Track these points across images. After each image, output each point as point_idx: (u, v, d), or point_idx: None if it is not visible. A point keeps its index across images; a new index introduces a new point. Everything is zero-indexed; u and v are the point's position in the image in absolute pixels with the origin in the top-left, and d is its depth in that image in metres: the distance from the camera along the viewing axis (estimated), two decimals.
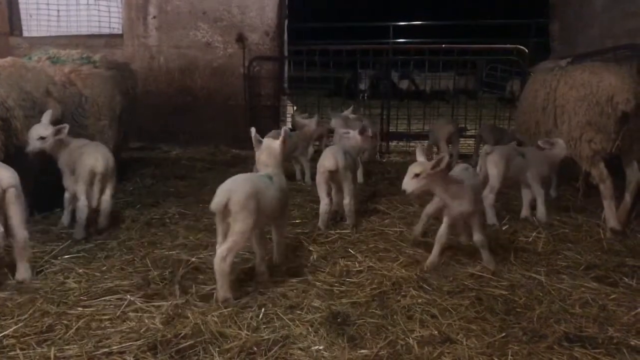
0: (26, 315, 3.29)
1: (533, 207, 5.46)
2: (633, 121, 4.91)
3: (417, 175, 3.88)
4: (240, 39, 9.59)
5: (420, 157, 4.03)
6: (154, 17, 9.84)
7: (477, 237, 4.13)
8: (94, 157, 4.78)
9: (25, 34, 10.54)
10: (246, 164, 7.72)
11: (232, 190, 3.46)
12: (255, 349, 2.99)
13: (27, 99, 5.12)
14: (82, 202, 4.75)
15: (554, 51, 8.50)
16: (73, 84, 6.02)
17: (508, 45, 9.30)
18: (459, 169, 4.39)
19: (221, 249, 3.44)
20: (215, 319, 3.29)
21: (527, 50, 8.98)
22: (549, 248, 4.66)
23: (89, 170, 4.74)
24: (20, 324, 3.18)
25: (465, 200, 4.00)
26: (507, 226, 5.22)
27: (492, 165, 5.25)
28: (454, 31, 11.91)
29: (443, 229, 4.17)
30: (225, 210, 3.42)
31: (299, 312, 3.43)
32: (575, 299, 3.66)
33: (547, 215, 5.34)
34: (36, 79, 5.40)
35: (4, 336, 3.06)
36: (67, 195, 5.04)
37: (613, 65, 5.11)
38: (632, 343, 3.11)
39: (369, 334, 3.17)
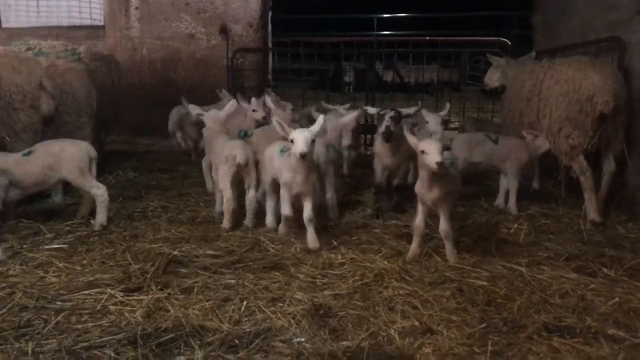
0: (4, 310, 3.26)
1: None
2: (611, 121, 4.98)
3: (447, 148, 3.98)
4: (224, 30, 9.48)
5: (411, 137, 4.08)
6: (136, 8, 9.70)
7: (443, 226, 4.15)
8: None
9: (4, 24, 10.35)
10: None
11: None
12: (237, 341, 2.99)
13: (17, 92, 5.01)
14: None
15: (536, 43, 8.54)
16: (53, 79, 5.89)
17: (491, 38, 9.32)
18: None
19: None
20: (197, 312, 3.29)
21: (510, 43, 9.02)
22: (530, 239, 4.72)
23: None
24: None
25: (440, 185, 4.02)
26: (488, 217, 5.27)
27: (454, 150, 5.37)
28: (437, 23, 11.93)
29: (419, 219, 4.19)
30: None
31: (280, 304, 3.43)
32: (555, 289, 3.70)
33: (517, 208, 5.44)
34: (29, 72, 5.22)
35: None
36: None
37: (599, 63, 5.17)
38: (610, 332, 3.16)
39: (350, 326, 3.18)
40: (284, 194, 4.43)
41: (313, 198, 4.43)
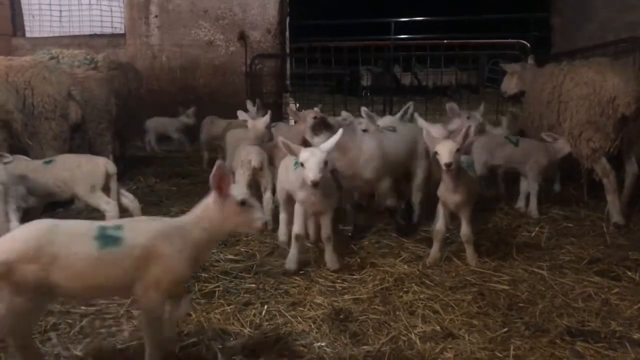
0: None
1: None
2: (633, 123, 4.92)
3: (457, 150, 3.82)
4: (242, 37, 9.59)
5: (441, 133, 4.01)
6: (156, 16, 9.86)
7: (464, 230, 4.12)
8: None
9: (28, 34, 10.58)
10: None
11: None
12: (258, 346, 3.00)
13: (49, 102, 5.14)
14: None
15: (555, 45, 8.48)
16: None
17: (509, 40, 9.28)
18: None
19: None
20: (218, 316, 3.31)
21: (528, 45, 8.96)
22: (551, 243, 4.67)
23: None
24: None
25: (463, 188, 4.01)
26: (508, 221, 5.23)
27: (475, 154, 5.38)
28: (455, 26, 11.90)
29: (440, 223, 4.17)
30: None
31: (301, 309, 3.44)
32: (577, 293, 3.66)
33: (538, 211, 5.38)
34: (59, 82, 5.32)
35: None
36: None
37: (619, 65, 5.10)
38: (635, 337, 3.11)
39: (371, 330, 3.18)
40: (298, 210, 4.04)
41: (331, 213, 4.06)
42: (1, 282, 2.34)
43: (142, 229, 2.57)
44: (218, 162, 2.66)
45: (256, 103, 6.99)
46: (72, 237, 2.45)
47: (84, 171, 4.62)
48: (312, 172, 3.56)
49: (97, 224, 2.59)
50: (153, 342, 2.62)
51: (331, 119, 5.91)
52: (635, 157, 5.13)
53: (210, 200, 2.66)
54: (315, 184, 3.59)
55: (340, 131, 3.92)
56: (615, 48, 6.00)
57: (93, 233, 2.48)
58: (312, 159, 3.59)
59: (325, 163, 3.65)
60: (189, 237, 2.60)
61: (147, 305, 2.57)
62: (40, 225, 2.48)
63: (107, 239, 2.46)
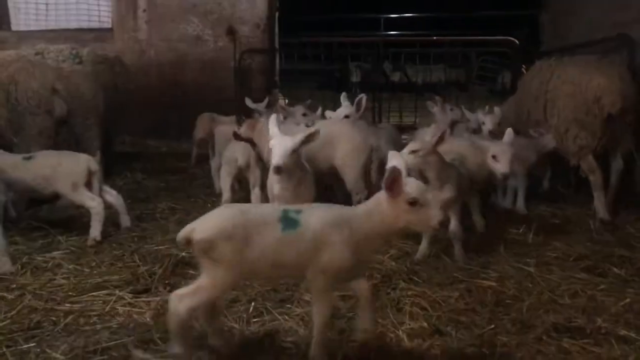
0: (14, 312, 3.27)
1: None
2: (619, 121, 4.95)
3: (414, 152, 3.83)
4: (231, 31, 9.51)
5: (427, 138, 4.04)
6: (144, 10, 9.75)
7: (453, 227, 4.12)
8: None
9: (14, 27, 10.42)
10: None
11: None
12: (247, 342, 2.98)
13: (33, 97, 5.08)
14: None
15: (544, 43, 8.50)
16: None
17: (499, 37, 9.30)
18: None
19: None
20: None
21: (517, 42, 8.99)
22: (538, 239, 4.68)
23: None
24: (7, 321, 3.16)
25: (451, 186, 4.00)
26: (496, 218, 5.24)
27: None
28: (445, 23, 11.91)
29: None
30: None
31: (289, 305, 3.42)
32: (564, 289, 3.68)
33: (526, 207, 5.41)
34: (43, 76, 5.28)
35: None
36: None
37: (605, 64, 5.14)
38: (621, 333, 3.12)
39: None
40: None
41: None
42: (204, 259, 2.57)
43: (316, 215, 2.65)
44: (393, 167, 2.65)
45: (266, 97, 7.01)
46: (261, 218, 2.61)
47: (65, 168, 4.54)
48: (276, 156, 3.58)
49: (281, 206, 2.78)
50: (320, 328, 2.71)
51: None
52: (621, 154, 5.17)
53: (382, 196, 2.65)
54: (277, 170, 3.59)
55: (313, 128, 3.92)
56: (604, 46, 6.03)
57: (278, 215, 2.62)
58: (278, 145, 3.61)
59: (294, 152, 3.64)
60: (357, 228, 2.63)
61: (316, 289, 2.69)
62: (235, 207, 2.73)
63: (288, 222, 2.60)
